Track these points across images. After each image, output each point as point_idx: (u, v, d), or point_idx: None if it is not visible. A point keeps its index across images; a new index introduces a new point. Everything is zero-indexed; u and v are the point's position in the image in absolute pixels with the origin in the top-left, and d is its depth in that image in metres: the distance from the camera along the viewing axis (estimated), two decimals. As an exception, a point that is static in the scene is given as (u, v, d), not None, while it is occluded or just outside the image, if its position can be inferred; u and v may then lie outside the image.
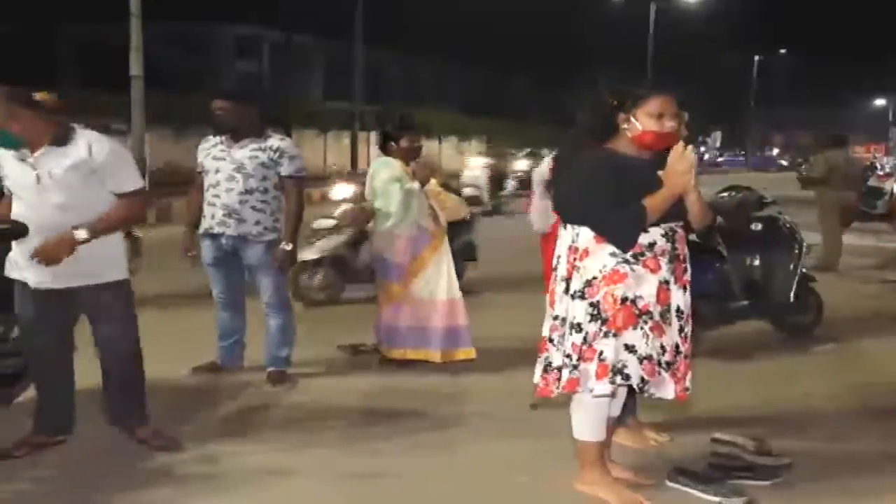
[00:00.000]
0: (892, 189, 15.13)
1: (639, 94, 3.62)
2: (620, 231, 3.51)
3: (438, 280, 5.71)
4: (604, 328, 3.51)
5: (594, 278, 3.54)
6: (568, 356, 3.59)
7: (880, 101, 64.29)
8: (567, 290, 3.62)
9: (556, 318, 3.69)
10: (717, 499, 3.72)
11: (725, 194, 7.06)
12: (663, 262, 3.56)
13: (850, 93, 62.91)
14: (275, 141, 5.24)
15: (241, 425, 4.67)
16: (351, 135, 27.83)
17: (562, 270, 3.67)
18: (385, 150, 5.88)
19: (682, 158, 3.51)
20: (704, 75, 60.06)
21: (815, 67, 60.89)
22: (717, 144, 67.96)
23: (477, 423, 4.75)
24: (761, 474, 3.96)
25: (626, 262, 3.52)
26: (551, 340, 3.70)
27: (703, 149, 62.66)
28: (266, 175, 5.20)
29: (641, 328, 3.52)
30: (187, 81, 27.66)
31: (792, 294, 6.49)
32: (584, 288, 3.56)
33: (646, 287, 3.53)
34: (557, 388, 3.64)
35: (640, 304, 3.52)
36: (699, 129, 60.56)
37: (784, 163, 54.68)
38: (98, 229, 3.89)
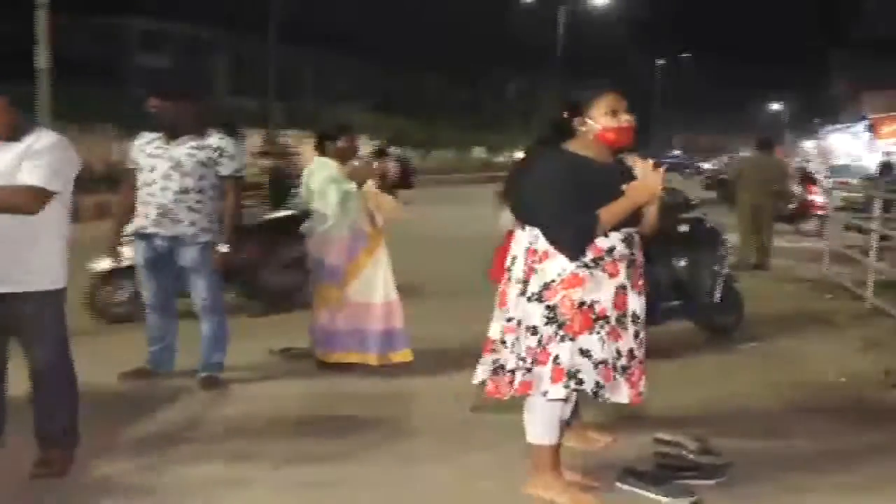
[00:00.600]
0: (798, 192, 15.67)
1: (589, 94, 3.67)
2: (570, 239, 3.54)
3: (375, 282, 5.66)
4: (560, 332, 3.53)
5: (552, 281, 3.56)
6: (522, 359, 3.59)
7: (777, 106, 66.66)
8: (524, 292, 3.63)
9: (509, 319, 3.69)
10: (667, 499, 3.78)
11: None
12: (622, 266, 3.60)
13: (749, 96, 65.10)
14: (215, 140, 5.11)
15: (181, 433, 4.54)
16: (267, 133, 27.28)
17: (517, 272, 3.68)
18: (321, 150, 5.80)
19: (654, 173, 3.59)
20: (609, 77, 61.31)
21: (716, 71, 62.79)
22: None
23: (423, 427, 4.73)
24: (706, 473, 4.04)
25: (586, 266, 3.54)
26: (503, 342, 3.70)
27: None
28: (203, 174, 5.07)
29: (598, 333, 3.55)
30: (90, 75, 26.78)
31: (717, 294, 6.65)
32: (541, 290, 3.57)
33: (604, 291, 3.56)
34: (510, 391, 3.65)
35: (598, 308, 3.55)
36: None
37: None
38: None
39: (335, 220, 5.56)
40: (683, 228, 6.93)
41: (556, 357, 3.53)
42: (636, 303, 3.67)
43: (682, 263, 6.76)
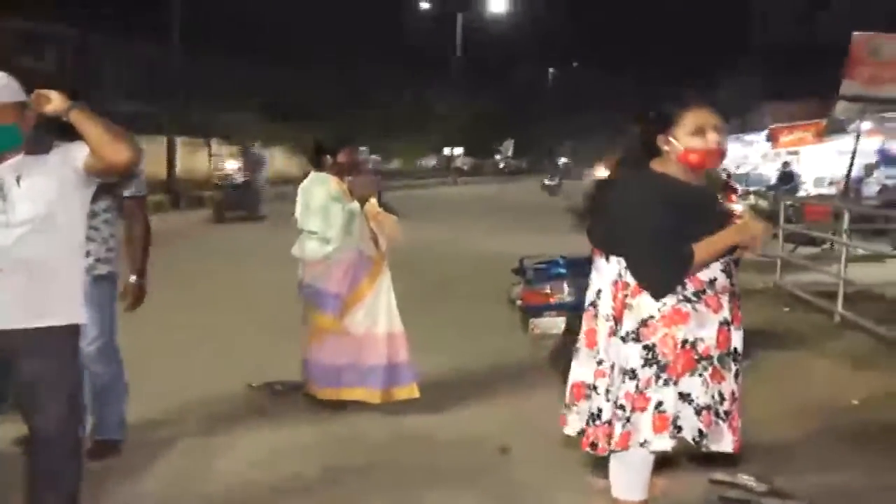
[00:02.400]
0: None
1: (671, 111, 3.28)
2: (659, 278, 3.16)
3: (378, 312, 5.15)
4: (662, 374, 3.15)
5: (650, 318, 3.17)
6: (621, 407, 3.19)
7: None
8: (615, 331, 3.23)
9: (600, 362, 3.29)
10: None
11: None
12: (724, 300, 3.24)
13: (636, 104, 66.34)
14: None
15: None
16: (167, 140, 25.99)
17: (605, 308, 3.28)
18: (318, 164, 5.26)
19: (764, 226, 3.26)
20: (501, 85, 61.83)
21: (613, 79, 63.97)
22: (510, 153, 69.91)
23: (447, 476, 4.26)
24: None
25: (688, 300, 3.17)
26: (595, 388, 3.30)
27: (497, 157, 64.35)
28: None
29: (700, 374, 3.18)
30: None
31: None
32: (638, 328, 3.18)
33: (708, 328, 3.19)
34: (609, 443, 3.24)
35: (701, 347, 3.18)
36: (495, 137, 62.25)
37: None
38: None
39: (338, 242, 5.03)
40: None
41: (659, 404, 3.15)
42: (738, 339, 3.31)
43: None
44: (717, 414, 3.23)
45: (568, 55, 67.96)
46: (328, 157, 5.24)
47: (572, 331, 5.77)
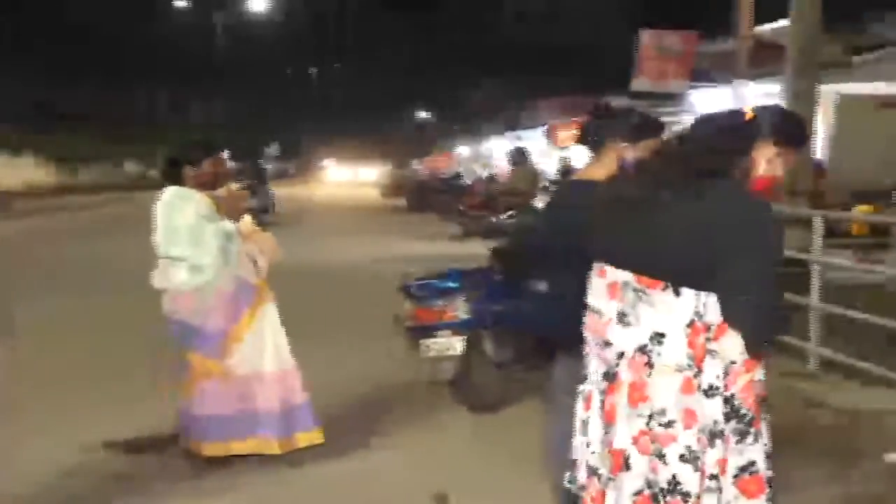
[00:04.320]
0: None
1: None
2: (768, 325, 2.63)
3: (264, 346, 4.33)
4: (750, 430, 2.64)
5: (732, 363, 2.61)
6: (713, 477, 2.61)
7: (424, 114, 69.10)
8: (698, 385, 2.60)
9: (669, 423, 2.61)
10: None
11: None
12: None
13: (397, 106, 66.76)
14: None
15: None
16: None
17: (673, 355, 2.59)
18: (175, 178, 4.38)
19: None
20: (265, 86, 60.36)
21: (368, 81, 63.83)
22: (276, 154, 68.57)
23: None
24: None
25: None
26: (662, 456, 2.62)
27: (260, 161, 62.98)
28: None
29: (763, 420, 2.71)
30: None
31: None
32: (722, 378, 2.61)
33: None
34: None
35: (759, 389, 2.69)
36: (261, 139, 60.72)
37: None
38: None
39: (214, 270, 4.20)
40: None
41: (751, 464, 2.65)
42: None
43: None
44: None
45: (331, 55, 67.31)
46: (189, 167, 4.38)
47: (475, 351, 5.29)
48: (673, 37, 15.62)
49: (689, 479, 2.59)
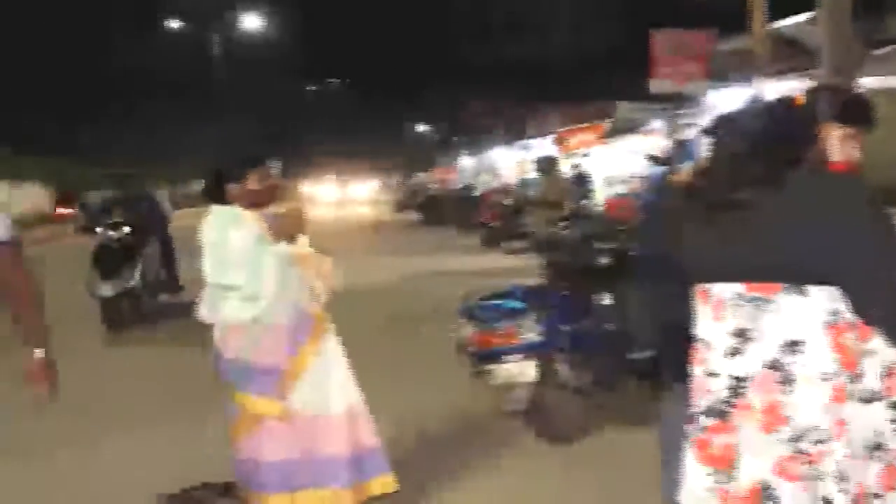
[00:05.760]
0: None
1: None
2: None
3: (328, 384, 3.87)
4: None
5: (893, 364, 2.28)
6: (877, 496, 2.25)
7: (423, 128, 68.68)
8: (849, 391, 2.26)
9: (819, 441, 2.23)
10: None
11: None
12: None
13: (396, 122, 66.38)
14: None
15: None
16: None
17: (816, 364, 2.23)
18: (218, 196, 3.91)
19: None
20: (262, 105, 60.05)
21: (367, 97, 63.52)
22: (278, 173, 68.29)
23: None
24: None
25: None
26: (817, 476, 2.26)
27: None
28: None
29: None
30: None
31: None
32: (883, 381, 2.28)
33: None
34: None
35: None
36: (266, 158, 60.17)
37: None
38: None
39: (270, 300, 3.73)
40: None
41: None
42: None
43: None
44: None
45: (330, 73, 67.14)
46: (233, 184, 3.90)
47: (549, 376, 4.82)
48: (687, 36, 15.19)
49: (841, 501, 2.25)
